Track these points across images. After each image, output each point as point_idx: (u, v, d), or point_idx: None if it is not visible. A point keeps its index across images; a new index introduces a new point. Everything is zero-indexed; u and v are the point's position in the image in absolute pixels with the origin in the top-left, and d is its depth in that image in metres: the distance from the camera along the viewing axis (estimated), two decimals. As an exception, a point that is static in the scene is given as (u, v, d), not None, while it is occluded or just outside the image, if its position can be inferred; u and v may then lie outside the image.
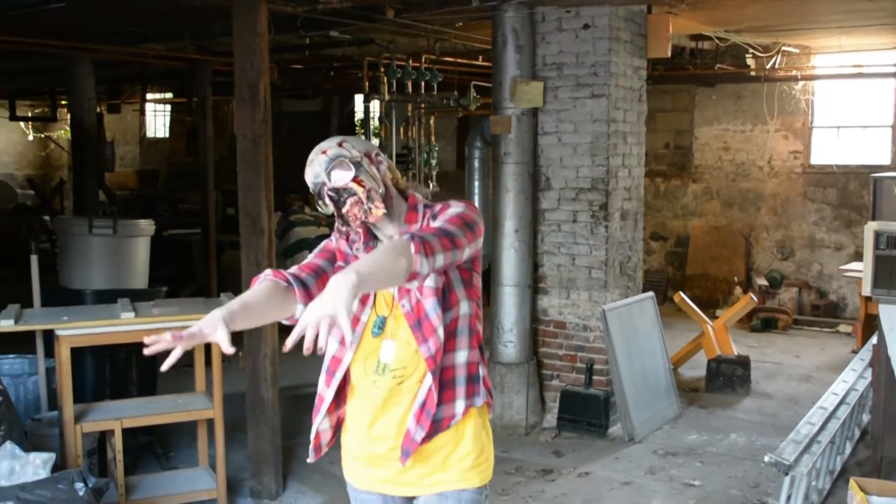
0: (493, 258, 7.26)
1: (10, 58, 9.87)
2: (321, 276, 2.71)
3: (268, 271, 2.70)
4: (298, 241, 9.77)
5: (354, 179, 2.64)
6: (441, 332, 2.69)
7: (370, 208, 2.64)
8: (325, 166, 2.67)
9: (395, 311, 2.76)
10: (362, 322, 2.78)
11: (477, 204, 7.92)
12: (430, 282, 2.66)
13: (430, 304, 2.68)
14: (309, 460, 2.93)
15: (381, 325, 2.77)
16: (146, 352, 2.33)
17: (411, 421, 2.74)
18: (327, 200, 2.68)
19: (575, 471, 6.38)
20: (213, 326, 2.40)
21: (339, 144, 2.71)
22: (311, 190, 2.73)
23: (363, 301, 2.79)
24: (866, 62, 11.51)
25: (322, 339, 2.18)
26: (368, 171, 2.68)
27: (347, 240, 2.76)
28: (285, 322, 2.69)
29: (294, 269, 2.74)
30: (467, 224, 2.64)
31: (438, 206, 2.75)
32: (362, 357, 2.80)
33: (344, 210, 2.65)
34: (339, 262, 2.77)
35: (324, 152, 2.69)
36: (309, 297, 2.64)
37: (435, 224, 2.64)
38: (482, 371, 2.86)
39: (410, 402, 2.76)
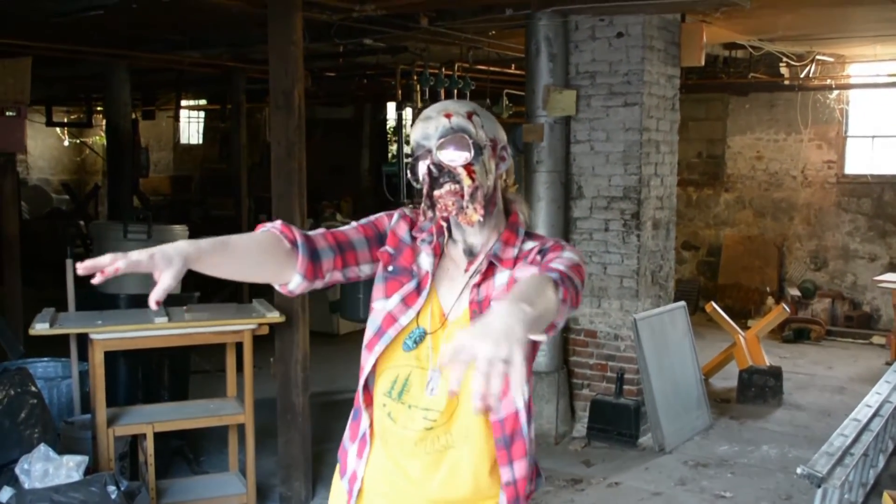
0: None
1: (48, 64, 9.98)
2: (346, 254, 2.23)
3: (278, 222, 2.19)
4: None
5: (466, 166, 2.17)
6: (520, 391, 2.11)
7: (467, 207, 2.17)
8: (442, 133, 2.19)
9: (446, 329, 2.21)
10: (399, 324, 2.23)
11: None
12: None
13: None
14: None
15: (419, 339, 2.22)
16: (79, 271, 1.86)
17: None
18: (422, 172, 2.20)
19: (605, 481, 6.36)
20: (168, 260, 1.90)
21: (469, 116, 2.21)
22: (411, 148, 2.26)
23: (409, 299, 2.23)
24: (902, 72, 11.43)
25: (493, 388, 1.58)
26: (486, 164, 2.21)
27: (412, 226, 2.30)
28: (276, 288, 2.20)
29: (317, 232, 2.25)
30: (582, 280, 2.16)
31: (550, 243, 2.24)
32: (391, 370, 2.26)
33: (436, 192, 2.17)
34: (387, 248, 2.28)
35: (447, 115, 2.20)
36: (315, 271, 2.17)
37: (558, 266, 2.10)
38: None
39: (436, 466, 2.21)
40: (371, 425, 2.31)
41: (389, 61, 10.13)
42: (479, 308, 2.18)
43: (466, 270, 2.25)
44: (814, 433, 7.38)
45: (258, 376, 5.56)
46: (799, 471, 4.87)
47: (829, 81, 11.64)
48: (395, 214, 2.33)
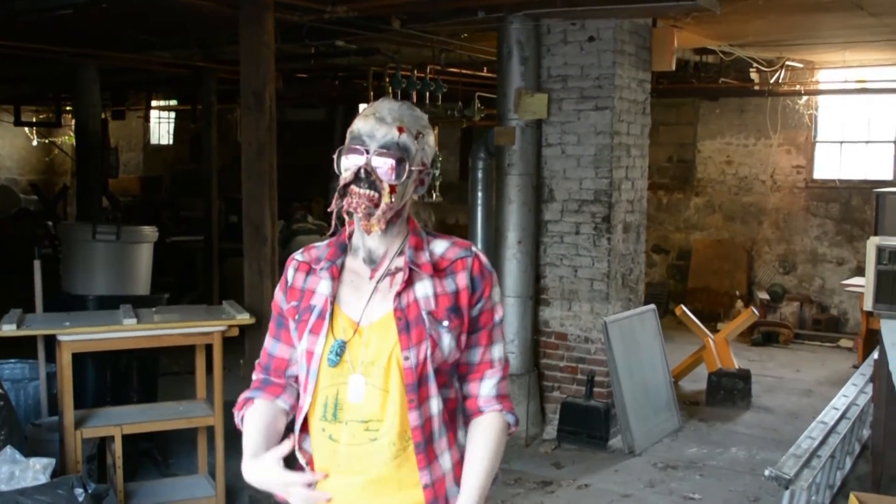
0: (495, 269, 7.25)
1: (16, 63, 9.90)
2: (291, 366, 2.39)
3: (251, 397, 2.41)
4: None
5: (391, 185, 2.19)
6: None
7: (373, 218, 2.20)
8: (386, 144, 2.19)
9: (362, 336, 2.25)
10: (316, 354, 2.26)
11: (479, 215, 7.91)
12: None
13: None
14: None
15: (340, 350, 2.24)
16: None
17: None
18: (350, 166, 2.20)
19: (574, 483, 6.38)
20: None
21: (417, 135, 2.24)
22: (348, 134, 2.25)
23: (315, 328, 2.27)
24: (869, 78, 11.55)
25: None
26: (405, 183, 2.23)
27: (309, 265, 2.36)
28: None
29: (261, 377, 2.43)
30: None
31: (468, 258, 2.33)
32: (321, 392, 2.27)
33: (353, 188, 2.19)
34: (290, 305, 2.35)
35: (400, 129, 2.21)
36: (293, 395, 2.38)
37: (499, 381, 2.34)
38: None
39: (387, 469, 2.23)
40: (310, 462, 2.31)
41: (361, 63, 10.11)
42: (403, 315, 2.22)
43: (371, 277, 2.29)
44: (782, 435, 7.44)
45: (228, 378, 5.54)
46: (767, 473, 4.90)
47: (798, 87, 11.75)
48: (289, 271, 2.39)
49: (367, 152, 2.19)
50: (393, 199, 2.20)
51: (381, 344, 2.21)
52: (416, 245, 2.30)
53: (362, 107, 13.63)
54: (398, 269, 2.27)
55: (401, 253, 2.29)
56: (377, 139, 2.19)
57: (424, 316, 2.22)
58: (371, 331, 2.23)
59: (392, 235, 2.29)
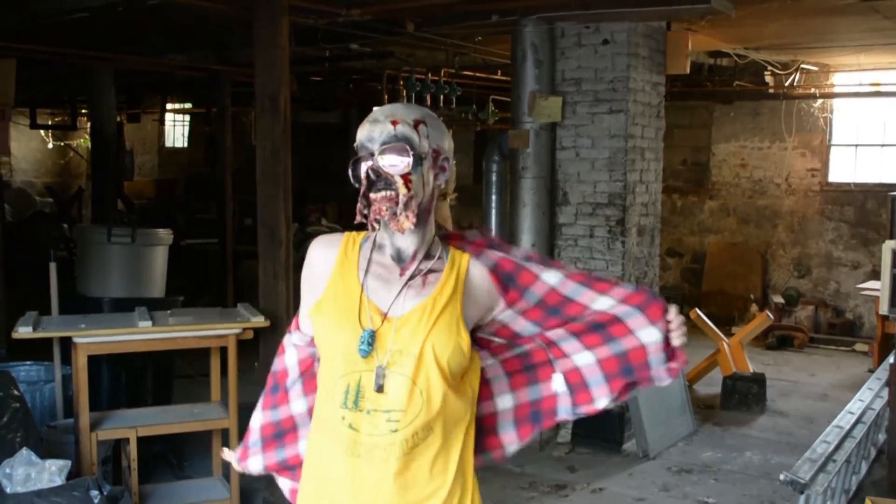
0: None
1: (32, 67, 9.94)
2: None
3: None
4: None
5: (403, 176, 2.20)
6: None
7: (400, 214, 2.20)
8: (385, 139, 2.21)
9: (392, 325, 2.24)
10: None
11: (494, 218, 7.91)
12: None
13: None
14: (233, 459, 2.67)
15: (371, 340, 2.22)
16: None
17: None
18: (361, 173, 2.23)
19: (588, 486, 6.37)
20: None
21: (416, 124, 2.24)
22: (355, 147, 2.28)
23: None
24: (884, 81, 11.50)
25: None
26: (424, 175, 2.25)
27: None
28: None
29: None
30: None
31: (495, 255, 2.36)
32: (341, 380, 2.25)
33: (372, 195, 2.20)
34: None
35: (394, 122, 2.23)
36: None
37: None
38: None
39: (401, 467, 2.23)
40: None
41: (376, 66, 10.12)
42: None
43: (401, 275, 2.29)
44: (797, 440, 7.42)
45: (242, 381, 5.55)
46: (782, 477, 4.89)
47: (813, 90, 11.71)
48: (287, 338, 2.52)
49: (372, 155, 2.22)
50: (411, 189, 2.20)
51: (412, 335, 2.21)
52: (439, 252, 2.32)
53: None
54: (430, 271, 2.29)
55: (429, 256, 2.31)
56: (376, 140, 2.22)
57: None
58: (402, 321, 2.23)
59: (421, 233, 2.28)
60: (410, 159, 2.21)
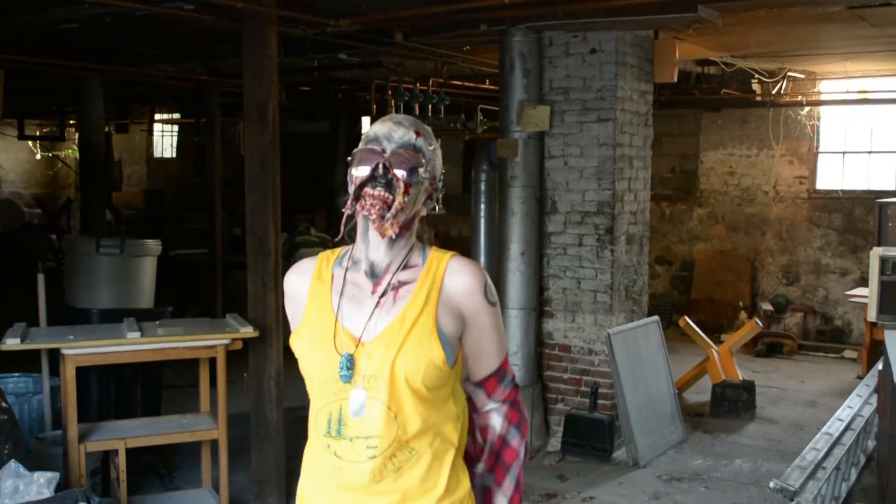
0: (498, 281, 7.27)
1: (21, 77, 9.93)
2: None
3: None
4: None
5: (405, 183, 2.20)
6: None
7: (386, 219, 2.19)
8: (404, 144, 2.22)
9: (365, 349, 2.22)
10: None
11: (483, 227, 7.92)
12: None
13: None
14: None
15: (350, 364, 2.22)
16: None
17: None
18: (367, 164, 2.20)
19: (579, 495, 6.36)
20: None
21: (430, 146, 2.28)
22: (364, 138, 2.27)
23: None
24: (871, 88, 11.56)
25: None
26: (419, 192, 2.25)
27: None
28: None
29: None
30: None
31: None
32: (324, 409, 2.27)
33: (368, 189, 2.19)
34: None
35: (417, 133, 2.25)
36: None
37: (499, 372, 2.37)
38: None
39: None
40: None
41: (364, 76, 10.14)
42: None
43: (373, 292, 2.28)
44: (786, 447, 7.43)
45: (231, 391, 5.54)
46: (772, 485, 4.89)
47: (800, 98, 11.75)
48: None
49: (384, 152, 2.21)
50: (406, 200, 2.19)
51: (383, 358, 2.19)
52: (418, 260, 2.30)
53: (366, 120, 13.69)
54: (401, 283, 2.27)
55: (404, 267, 2.28)
56: (394, 140, 2.22)
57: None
58: (373, 345, 2.21)
59: (398, 248, 2.28)
60: (421, 170, 2.22)
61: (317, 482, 2.32)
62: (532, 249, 7.27)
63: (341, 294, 2.29)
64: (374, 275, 2.28)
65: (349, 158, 2.26)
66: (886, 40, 8.47)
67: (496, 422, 2.39)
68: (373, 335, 2.22)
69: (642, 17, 6.73)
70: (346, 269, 2.31)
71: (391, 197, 2.18)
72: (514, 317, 7.23)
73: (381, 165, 2.19)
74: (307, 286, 2.34)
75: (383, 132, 2.23)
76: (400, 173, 2.19)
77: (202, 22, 6.69)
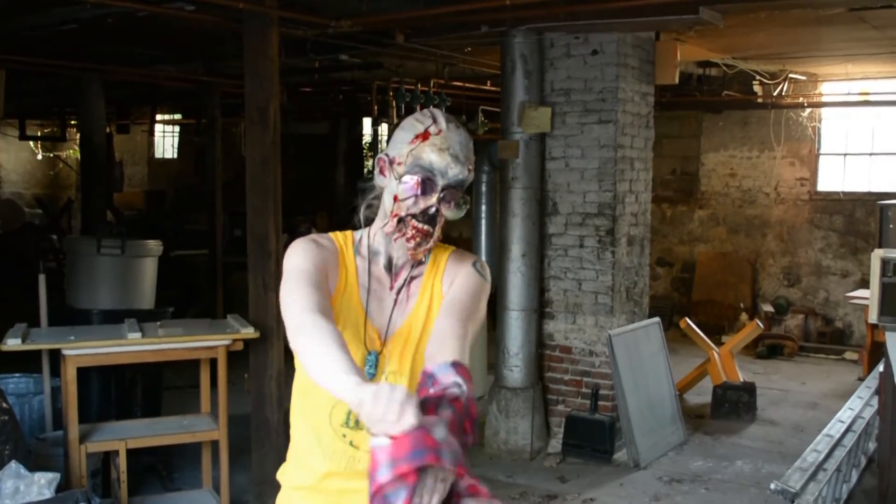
0: (499, 282, 7.27)
1: (22, 78, 9.93)
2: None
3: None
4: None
5: (440, 213, 2.23)
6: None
7: (421, 247, 2.24)
8: (457, 182, 2.22)
9: (388, 347, 2.29)
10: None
11: (483, 228, 7.92)
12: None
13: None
14: None
15: (375, 363, 2.27)
16: None
17: None
18: (421, 198, 2.20)
19: (580, 497, 6.36)
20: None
21: (469, 170, 2.25)
22: (424, 162, 2.20)
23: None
24: (872, 90, 11.56)
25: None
26: (454, 214, 2.27)
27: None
28: None
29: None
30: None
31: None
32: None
33: (413, 222, 2.21)
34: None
35: (469, 168, 2.24)
36: None
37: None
38: None
39: None
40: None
41: (365, 77, 10.14)
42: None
43: (391, 288, 2.33)
44: (787, 449, 7.42)
45: (232, 392, 5.54)
46: (772, 486, 4.89)
47: (801, 99, 11.76)
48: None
49: (437, 189, 2.21)
50: (440, 232, 2.26)
51: (402, 355, 2.27)
52: (434, 257, 2.35)
53: (367, 121, 13.61)
54: (412, 279, 2.34)
55: (419, 263, 2.34)
56: (449, 177, 2.21)
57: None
58: (394, 342, 2.29)
59: (419, 264, 2.35)
60: (453, 209, 2.24)
61: (316, 472, 2.31)
62: (533, 251, 7.27)
63: (368, 290, 2.32)
64: (391, 268, 2.34)
65: (390, 160, 2.24)
66: (887, 42, 8.47)
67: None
68: (393, 331, 2.30)
69: (643, 19, 6.73)
70: (368, 261, 2.33)
71: (431, 230, 2.23)
72: (514, 318, 7.23)
73: (434, 203, 2.21)
74: (334, 260, 2.30)
75: (440, 167, 2.20)
76: (447, 213, 2.23)
77: (204, 23, 6.70)
